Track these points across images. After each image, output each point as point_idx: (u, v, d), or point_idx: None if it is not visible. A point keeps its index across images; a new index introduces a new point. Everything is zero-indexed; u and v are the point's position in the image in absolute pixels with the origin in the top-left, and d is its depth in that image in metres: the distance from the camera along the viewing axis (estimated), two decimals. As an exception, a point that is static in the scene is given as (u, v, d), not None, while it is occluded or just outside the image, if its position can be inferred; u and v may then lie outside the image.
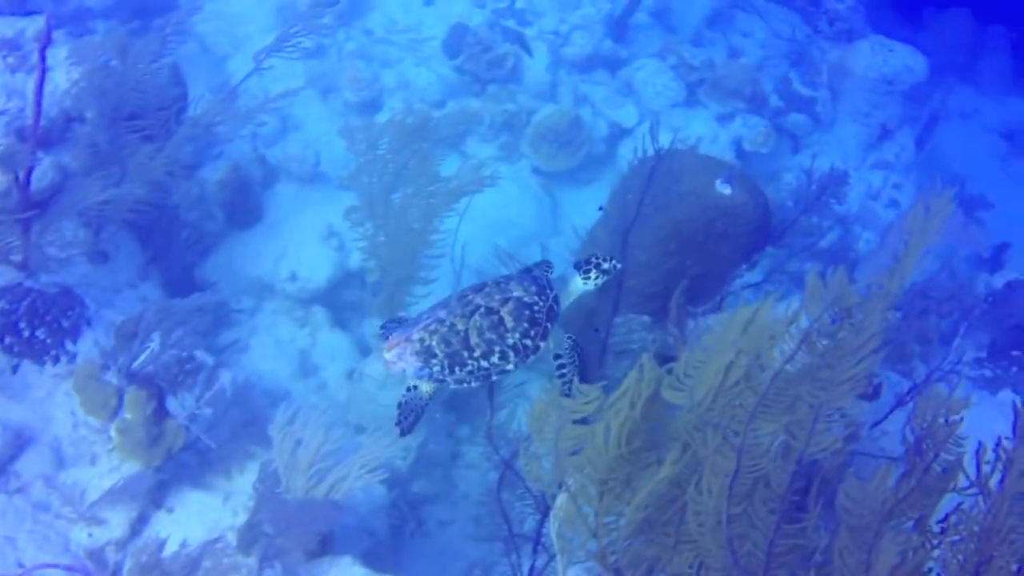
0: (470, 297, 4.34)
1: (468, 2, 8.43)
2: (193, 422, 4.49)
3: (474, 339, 4.25)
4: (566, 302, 4.60)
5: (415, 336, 4.28)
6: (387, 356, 4.34)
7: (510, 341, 4.28)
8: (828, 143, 8.72)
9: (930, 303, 5.72)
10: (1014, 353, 6.08)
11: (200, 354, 4.98)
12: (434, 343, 4.26)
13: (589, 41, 8.13)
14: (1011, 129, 12.17)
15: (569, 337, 4.53)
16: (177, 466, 4.73)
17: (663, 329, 4.95)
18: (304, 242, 6.60)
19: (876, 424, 4.64)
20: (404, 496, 5.65)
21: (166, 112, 5.55)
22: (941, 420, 3.35)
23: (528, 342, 4.31)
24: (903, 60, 8.84)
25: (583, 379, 5.37)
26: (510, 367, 4.34)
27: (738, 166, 5.20)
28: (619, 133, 7.93)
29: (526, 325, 4.29)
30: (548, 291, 4.41)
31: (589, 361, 5.13)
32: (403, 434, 4.51)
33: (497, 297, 4.31)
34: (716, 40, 9.11)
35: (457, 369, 4.29)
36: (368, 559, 4.53)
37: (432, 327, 4.28)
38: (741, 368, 3.20)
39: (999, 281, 6.37)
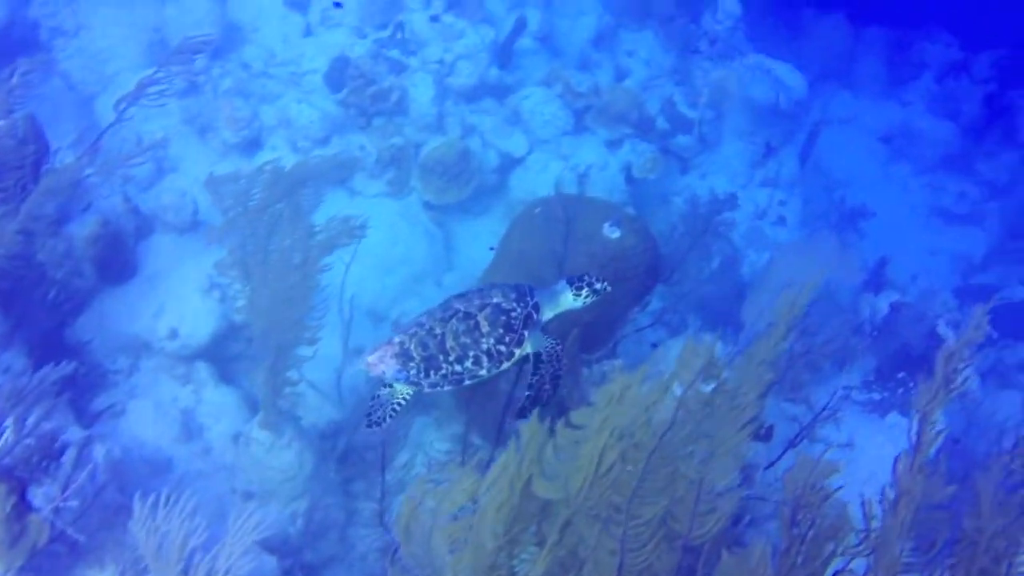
0: (451, 302, 4.31)
1: (349, 32, 8.20)
2: (58, 515, 4.18)
3: (450, 343, 4.22)
4: (550, 314, 4.46)
5: (396, 339, 4.27)
6: (370, 362, 4.30)
7: (484, 346, 4.23)
8: (715, 163, 8.82)
9: (815, 334, 5.79)
10: (900, 375, 6.21)
11: (67, 432, 4.67)
12: (412, 346, 4.24)
13: (475, 70, 8.01)
14: (889, 132, 12.53)
15: (555, 342, 4.40)
16: (48, 557, 4.41)
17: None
18: (184, 296, 6.29)
19: (769, 466, 4.64)
20: (298, 564, 5.41)
21: (22, 171, 5.20)
22: (813, 487, 3.30)
23: (502, 348, 4.25)
24: (783, 79, 9.00)
25: (480, 434, 5.28)
26: (483, 372, 4.28)
27: (624, 210, 5.14)
28: (510, 163, 7.83)
29: (501, 331, 4.24)
30: (528, 299, 4.34)
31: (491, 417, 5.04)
32: (369, 426, 4.42)
33: (476, 302, 4.27)
34: (602, 62, 9.11)
35: (432, 372, 4.26)
36: (261, 644, 4.30)
37: (412, 331, 4.26)
38: (615, 451, 3.06)
39: (884, 302, 6.50)
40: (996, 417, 7.33)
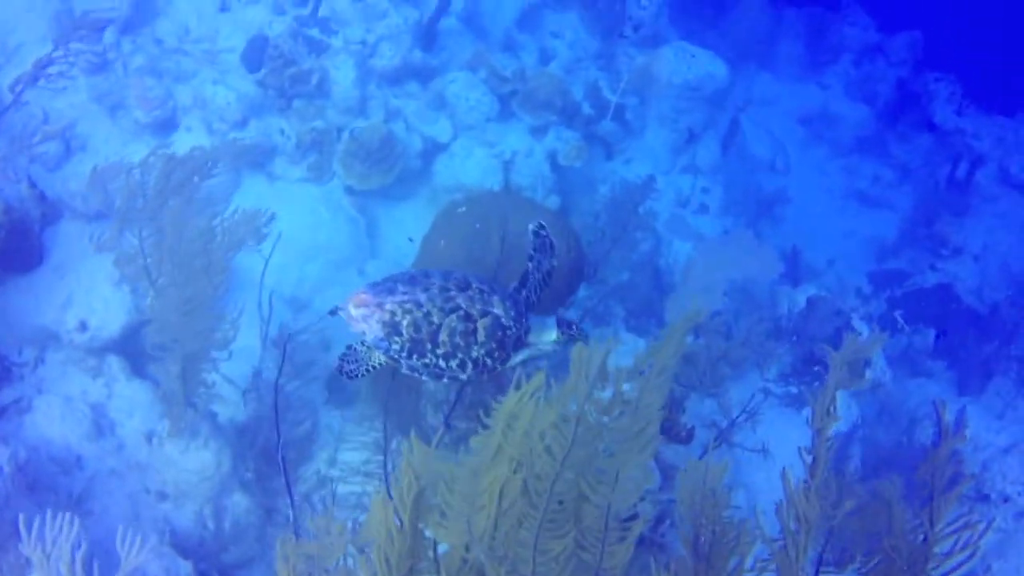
0: (453, 293, 4.23)
1: (268, 9, 7.92)
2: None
3: (443, 337, 4.16)
4: (533, 340, 4.45)
5: (388, 306, 4.17)
6: (352, 312, 4.20)
7: (474, 354, 4.22)
8: (639, 149, 8.84)
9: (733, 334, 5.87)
10: (816, 368, 6.35)
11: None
12: (404, 323, 4.16)
13: (397, 52, 7.84)
14: (807, 114, 12.70)
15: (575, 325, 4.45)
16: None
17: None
18: (93, 286, 6.05)
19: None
20: (215, 567, 5.30)
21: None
22: (707, 495, 3.29)
23: (489, 361, 4.26)
24: (705, 67, 9.05)
25: (401, 431, 5.22)
26: (463, 377, 4.27)
27: (549, 210, 5.11)
28: (434, 148, 7.71)
29: (494, 345, 4.23)
30: (523, 321, 4.34)
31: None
32: (340, 373, 4.42)
33: (478, 307, 4.22)
34: (526, 43, 9.03)
35: (415, 357, 4.20)
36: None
37: (408, 306, 4.16)
38: (515, 484, 2.93)
39: (801, 296, 6.63)
40: (907, 404, 7.58)
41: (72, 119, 7.05)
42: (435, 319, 4.16)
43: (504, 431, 2.89)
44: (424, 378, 4.31)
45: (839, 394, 6.08)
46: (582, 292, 6.14)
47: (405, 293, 4.22)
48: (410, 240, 5.08)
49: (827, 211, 11.57)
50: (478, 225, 4.81)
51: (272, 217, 4.89)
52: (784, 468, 3.19)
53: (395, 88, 7.90)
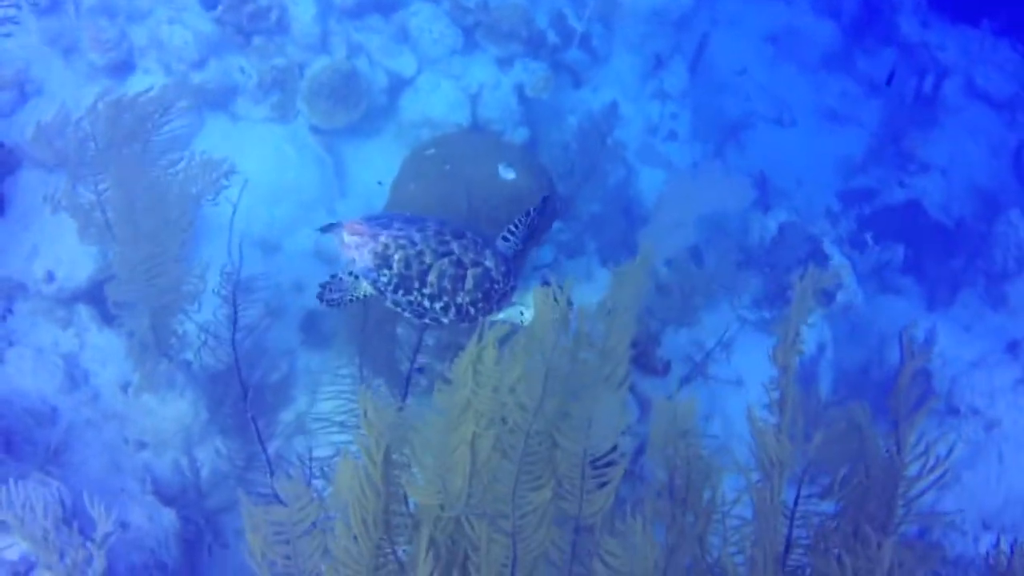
0: (448, 238, 4.25)
1: (221, -58, 7.67)
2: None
3: (432, 277, 4.19)
4: (515, 300, 4.45)
5: (382, 238, 4.19)
6: (346, 239, 4.21)
7: (459, 300, 4.24)
8: (607, 76, 8.73)
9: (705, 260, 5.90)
10: (788, 293, 6.39)
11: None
12: (395, 257, 4.18)
13: (358, -17, 7.64)
14: (774, 32, 12.56)
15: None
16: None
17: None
18: (59, 236, 5.96)
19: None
20: (198, 513, 5.36)
21: None
22: (679, 436, 3.30)
23: (472, 310, 4.29)
24: (671, -12, 8.90)
25: (374, 371, 5.23)
26: (444, 321, 4.30)
27: (518, 149, 5.06)
28: (399, 83, 7.58)
29: (479, 295, 4.26)
30: (511, 280, 4.36)
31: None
32: (321, 302, 4.41)
33: (471, 255, 4.24)
34: (490, -31, 8.82)
35: (401, 292, 4.23)
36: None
37: (402, 241, 4.19)
38: (488, 439, 2.92)
39: (772, 221, 6.66)
40: (877, 323, 7.70)
41: (24, 62, 6.83)
42: (427, 259, 4.18)
43: (472, 387, 2.88)
44: (406, 314, 4.33)
45: (811, 321, 6.18)
46: (555, 226, 6.15)
47: (400, 230, 4.24)
48: (379, 184, 5.01)
49: (796, 129, 11.53)
50: (447, 167, 4.77)
51: (231, 168, 4.78)
52: (749, 408, 3.21)
53: (356, 22, 7.71)
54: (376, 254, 4.18)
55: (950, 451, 3.64)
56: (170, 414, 5.34)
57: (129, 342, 5.47)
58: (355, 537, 2.98)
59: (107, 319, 6.05)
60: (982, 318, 8.33)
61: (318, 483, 4.23)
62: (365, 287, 4.31)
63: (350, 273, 4.32)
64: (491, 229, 4.86)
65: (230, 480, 5.53)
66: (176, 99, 5.18)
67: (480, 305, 4.27)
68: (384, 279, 4.21)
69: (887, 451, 3.71)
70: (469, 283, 4.21)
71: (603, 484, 3.18)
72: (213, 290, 4.96)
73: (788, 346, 3.29)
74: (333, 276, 4.39)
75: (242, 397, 5.80)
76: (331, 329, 6.20)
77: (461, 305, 4.25)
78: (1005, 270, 8.56)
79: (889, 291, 8.44)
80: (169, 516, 4.97)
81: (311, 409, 5.83)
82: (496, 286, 4.29)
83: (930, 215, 9.43)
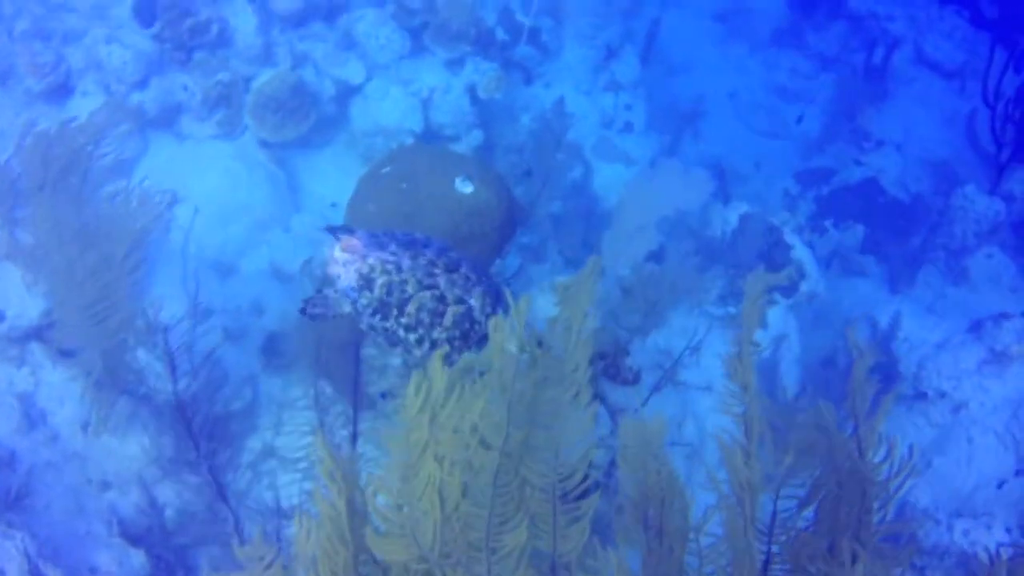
0: (438, 271, 4.14)
1: (155, -45, 7.46)
2: None
3: (411, 308, 4.08)
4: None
5: (370, 260, 4.08)
6: (336, 254, 4.11)
7: (435, 335, 4.13)
8: (559, 71, 8.64)
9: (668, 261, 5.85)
10: (750, 289, 6.35)
11: None
12: (379, 282, 4.07)
13: (299, -9, 7.47)
14: (723, 10, 12.52)
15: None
16: None
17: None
18: (5, 274, 5.76)
19: (639, 409, 4.72)
20: (169, 550, 5.23)
21: None
22: (649, 460, 3.22)
23: (447, 347, 4.16)
24: (617, -23, 8.81)
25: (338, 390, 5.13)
26: (417, 353, 4.17)
27: (476, 161, 4.97)
28: (347, 92, 7.44)
29: (457, 333, 4.14)
30: (494, 312, 4.22)
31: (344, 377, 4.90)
32: (303, 314, 4.27)
33: (457, 291, 4.13)
34: (432, -29, 8.66)
35: (378, 317, 4.12)
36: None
37: (388, 267, 4.08)
38: (456, 483, 2.77)
39: (733, 213, 6.62)
40: (841, 306, 7.71)
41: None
42: (409, 289, 4.08)
43: (428, 427, 2.75)
44: (379, 340, 4.24)
45: (775, 310, 6.15)
46: (519, 232, 6.06)
47: (393, 254, 4.13)
48: (333, 206, 4.89)
49: (751, 110, 11.51)
50: (404, 185, 4.66)
51: (173, 199, 4.63)
52: (720, 437, 3.14)
53: (300, 31, 7.54)
54: (361, 275, 4.08)
55: (911, 452, 3.58)
56: (131, 451, 5.21)
57: (84, 381, 5.33)
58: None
59: (63, 353, 5.89)
60: (944, 296, 8.36)
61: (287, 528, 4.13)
62: (345, 306, 4.22)
63: (335, 290, 4.23)
64: (456, 245, 4.77)
65: (200, 514, 5.41)
66: (111, 123, 5.01)
67: (457, 343, 4.17)
68: (364, 301, 4.11)
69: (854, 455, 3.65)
70: (448, 320, 4.12)
71: (577, 519, 3.09)
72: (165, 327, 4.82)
73: (746, 362, 3.22)
74: (319, 291, 4.30)
75: (204, 428, 5.71)
76: (294, 352, 6.08)
77: (436, 340, 4.14)
78: (964, 245, 8.58)
79: (851, 274, 8.44)
80: (139, 558, 4.85)
81: (275, 440, 5.71)
82: (476, 327, 4.18)
83: (887, 192, 9.44)
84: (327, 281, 4.25)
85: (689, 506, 3.22)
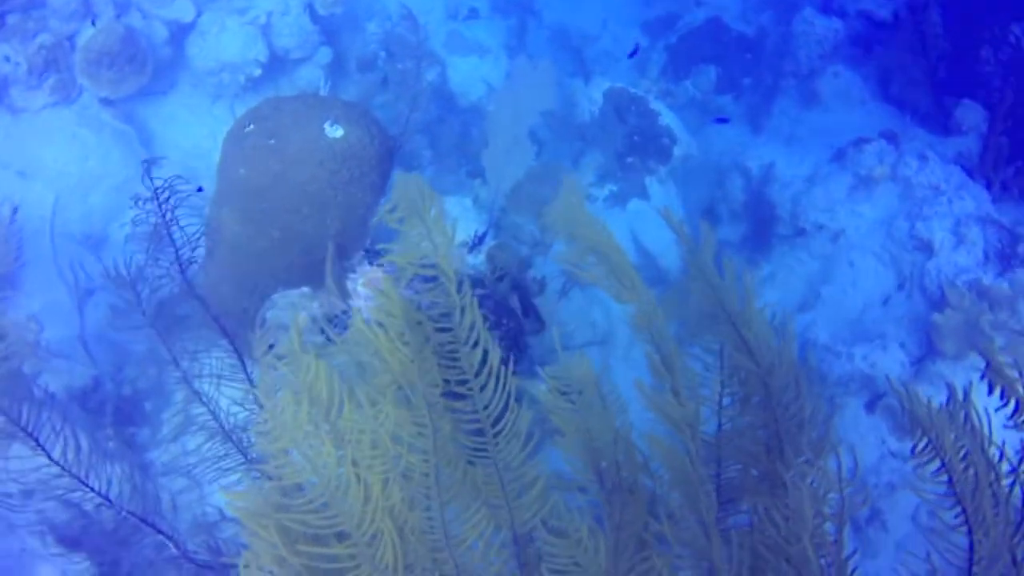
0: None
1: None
2: None
3: None
4: None
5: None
6: (360, 288, 4.20)
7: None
8: (394, -38, 8.35)
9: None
10: (630, 160, 6.51)
11: None
12: None
13: (103, -70, 6.92)
14: None
15: None
16: None
17: (324, 293, 4.77)
18: None
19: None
20: (110, 545, 5.22)
21: None
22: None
23: None
24: None
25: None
26: None
27: (341, 102, 4.85)
28: (180, 31, 7.04)
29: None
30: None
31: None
32: (327, 340, 4.22)
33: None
34: None
35: None
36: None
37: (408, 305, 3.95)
38: (381, 480, 2.57)
39: (596, 91, 6.66)
40: (711, 155, 7.92)
41: None
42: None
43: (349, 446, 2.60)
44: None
45: (657, 182, 6.28)
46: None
47: (416, 292, 4.00)
48: (199, 191, 4.68)
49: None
50: (272, 141, 4.54)
51: (15, 209, 4.41)
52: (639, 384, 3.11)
53: (115, -26, 7.04)
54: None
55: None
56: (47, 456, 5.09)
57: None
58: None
59: (-52, 369, 5.66)
60: (801, 121, 8.66)
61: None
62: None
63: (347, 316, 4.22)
64: (337, 193, 4.71)
65: (131, 501, 5.40)
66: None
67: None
68: None
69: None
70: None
71: (530, 487, 2.95)
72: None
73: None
74: (337, 316, 4.23)
75: (114, 413, 5.64)
76: (185, 312, 5.98)
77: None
78: (812, 68, 8.87)
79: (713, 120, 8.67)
80: (83, 565, 4.82)
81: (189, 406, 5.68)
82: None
83: (732, 29, 9.62)
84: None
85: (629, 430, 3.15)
